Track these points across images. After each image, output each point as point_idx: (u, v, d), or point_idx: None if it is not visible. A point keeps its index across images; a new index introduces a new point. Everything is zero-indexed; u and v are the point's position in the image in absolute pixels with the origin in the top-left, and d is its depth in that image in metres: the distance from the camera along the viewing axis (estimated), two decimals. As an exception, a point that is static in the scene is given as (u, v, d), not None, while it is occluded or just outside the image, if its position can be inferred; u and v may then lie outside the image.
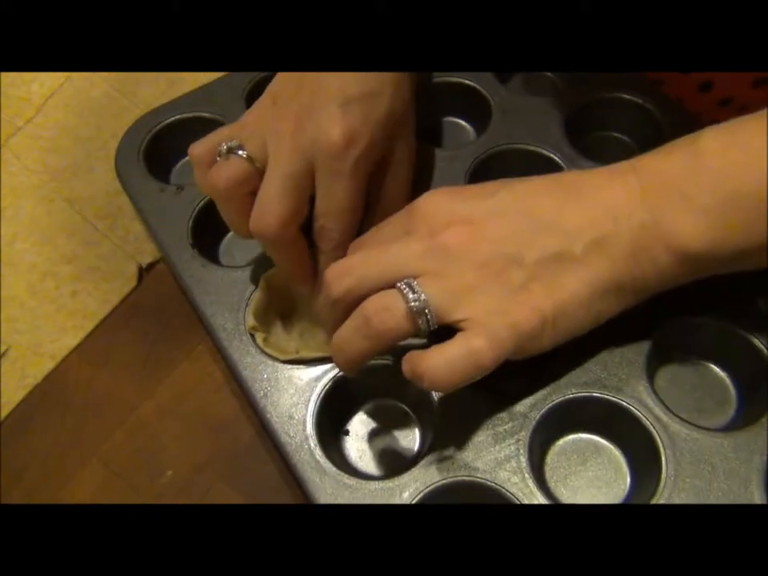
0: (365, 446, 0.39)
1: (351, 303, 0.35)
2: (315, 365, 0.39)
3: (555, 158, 0.45)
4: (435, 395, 0.38)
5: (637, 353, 0.38)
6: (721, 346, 0.39)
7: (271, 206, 0.37)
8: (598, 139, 0.48)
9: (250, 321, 0.40)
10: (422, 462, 0.36)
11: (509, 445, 0.36)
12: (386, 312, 0.34)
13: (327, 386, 0.38)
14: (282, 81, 0.40)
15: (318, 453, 0.37)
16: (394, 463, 0.39)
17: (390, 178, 0.41)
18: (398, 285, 0.34)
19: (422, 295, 0.33)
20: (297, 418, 0.38)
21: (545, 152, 0.45)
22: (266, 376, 0.39)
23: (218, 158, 0.39)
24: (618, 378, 0.37)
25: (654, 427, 0.36)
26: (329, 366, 0.39)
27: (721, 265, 0.34)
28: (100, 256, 0.49)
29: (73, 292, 0.47)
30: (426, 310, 0.33)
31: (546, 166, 0.45)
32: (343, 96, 0.38)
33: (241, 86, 0.50)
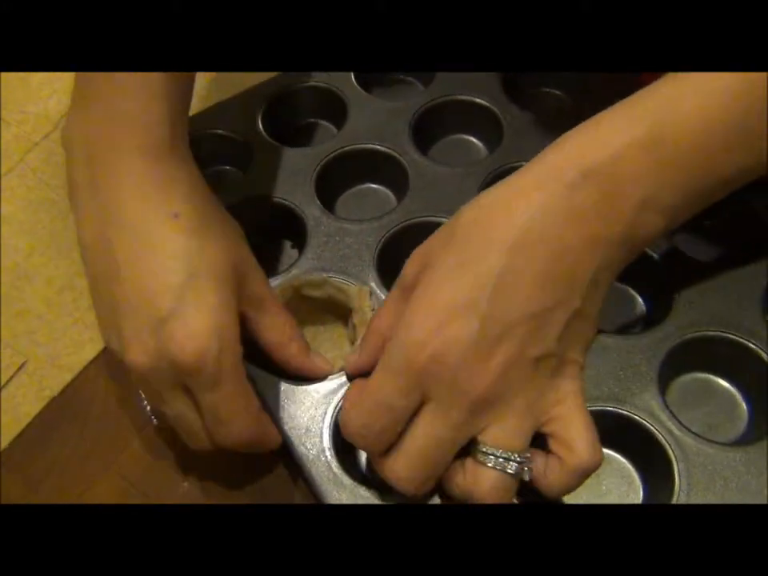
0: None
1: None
2: (330, 379, 0.40)
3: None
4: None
5: (649, 367, 0.39)
6: (731, 361, 0.40)
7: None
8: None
9: None
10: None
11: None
12: (503, 492, 0.34)
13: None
14: (91, 281, 0.39)
15: (335, 465, 0.37)
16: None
17: (261, 328, 0.39)
18: (480, 459, 0.33)
19: (512, 455, 0.33)
20: (314, 430, 0.38)
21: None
22: (282, 389, 0.40)
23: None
24: (631, 392, 0.38)
25: (666, 441, 0.37)
26: (344, 380, 0.40)
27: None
28: (116, 270, 0.49)
29: (90, 305, 0.47)
30: (523, 460, 0.33)
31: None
32: (165, 305, 0.35)
33: (257, 105, 0.51)
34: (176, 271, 0.35)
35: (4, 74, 0.57)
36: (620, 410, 0.38)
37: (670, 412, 0.37)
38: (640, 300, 0.44)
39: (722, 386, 0.41)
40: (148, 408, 0.43)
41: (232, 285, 0.37)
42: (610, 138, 0.33)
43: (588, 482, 0.38)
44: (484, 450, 0.33)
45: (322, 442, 0.38)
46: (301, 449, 0.38)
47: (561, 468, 0.34)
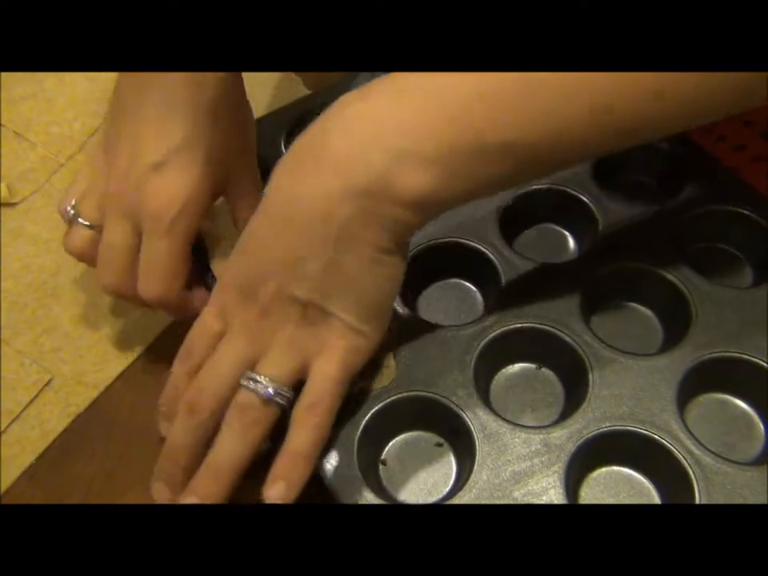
0: (401, 475, 0.40)
1: (217, 420, 0.38)
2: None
3: (583, 198, 0.47)
4: (472, 426, 0.39)
5: (667, 387, 0.39)
6: (748, 381, 0.40)
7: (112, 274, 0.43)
8: (622, 184, 0.49)
9: None
10: (460, 493, 0.37)
11: (545, 476, 0.37)
12: (250, 408, 0.37)
13: (368, 417, 0.40)
14: (110, 123, 0.44)
15: (360, 483, 0.38)
16: (429, 493, 0.40)
17: (237, 210, 0.45)
18: (242, 382, 0.37)
19: (261, 378, 0.37)
20: (339, 448, 0.39)
21: (571, 191, 0.47)
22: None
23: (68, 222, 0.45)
24: (650, 412, 0.39)
25: (686, 461, 0.37)
26: (370, 397, 0.40)
27: (455, 204, 0.37)
28: (140, 288, 0.50)
29: (115, 322, 0.49)
30: (271, 389, 0.37)
31: (573, 205, 0.47)
32: (156, 160, 0.41)
33: (283, 124, 0.52)
34: (175, 137, 0.41)
35: (30, 97, 0.59)
36: (639, 430, 0.38)
37: (689, 432, 0.38)
38: (657, 321, 0.45)
39: (739, 406, 0.41)
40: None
41: (216, 170, 0.43)
42: (371, 92, 0.36)
43: (608, 501, 0.39)
44: (246, 374, 0.37)
45: (347, 459, 0.38)
46: (327, 466, 0.38)
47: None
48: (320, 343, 0.37)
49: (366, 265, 0.36)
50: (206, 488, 0.37)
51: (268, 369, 0.37)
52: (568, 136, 0.35)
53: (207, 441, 0.38)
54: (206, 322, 0.39)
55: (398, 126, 0.34)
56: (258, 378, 0.37)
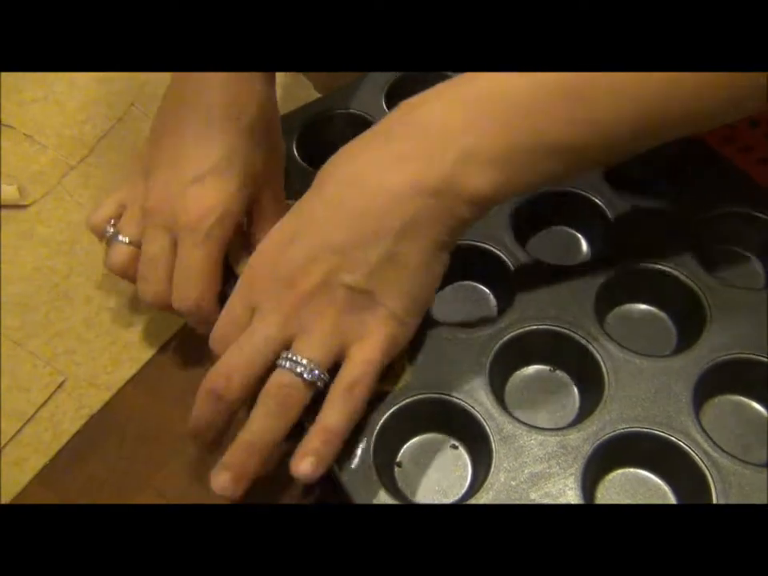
0: (416, 477, 0.40)
1: (244, 401, 0.38)
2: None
3: (596, 200, 0.47)
4: (488, 428, 0.39)
5: (683, 388, 0.39)
6: (764, 383, 0.40)
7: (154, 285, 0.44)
8: (635, 185, 0.49)
9: None
10: (477, 495, 0.37)
11: (562, 479, 0.37)
12: (291, 389, 0.37)
13: (383, 420, 0.39)
14: (150, 144, 0.46)
15: (376, 485, 0.38)
16: (445, 495, 0.39)
17: (257, 233, 0.46)
18: (281, 363, 0.37)
19: (304, 360, 0.37)
20: (355, 450, 0.39)
21: (584, 193, 0.47)
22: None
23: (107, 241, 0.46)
24: (666, 413, 0.39)
25: (703, 462, 0.37)
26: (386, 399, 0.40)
27: (513, 196, 0.39)
28: (152, 290, 0.50)
29: (128, 325, 0.49)
30: (316, 371, 0.37)
31: (585, 207, 0.47)
32: (197, 173, 0.43)
33: (294, 128, 0.52)
34: (213, 155, 0.43)
35: (41, 99, 0.59)
36: (656, 432, 0.38)
37: (706, 433, 0.38)
38: (670, 322, 0.45)
39: (754, 407, 0.41)
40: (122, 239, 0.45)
41: (250, 188, 0.44)
42: (433, 96, 0.37)
43: (625, 502, 0.38)
44: (284, 355, 0.37)
45: (364, 462, 0.38)
46: (345, 470, 0.38)
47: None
48: (362, 329, 0.38)
49: (422, 258, 0.37)
50: (240, 465, 0.37)
51: (309, 351, 0.37)
52: (618, 138, 0.37)
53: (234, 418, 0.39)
54: (235, 310, 0.39)
55: (462, 127, 0.36)
56: (299, 359, 0.37)
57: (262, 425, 0.37)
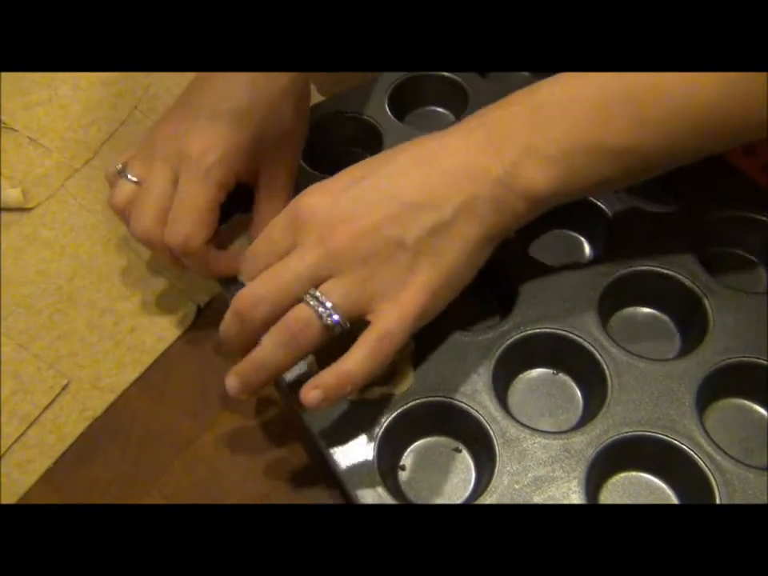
0: (420, 480, 0.40)
1: (268, 326, 0.38)
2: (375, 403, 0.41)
3: (599, 203, 0.47)
4: (491, 431, 0.39)
5: (686, 392, 0.39)
6: (765, 387, 0.40)
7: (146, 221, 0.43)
8: (637, 188, 0.49)
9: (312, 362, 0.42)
10: (480, 498, 0.37)
11: (566, 482, 0.37)
12: (306, 326, 0.37)
13: (387, 423, 0.40)
14: (186, 90, 0.46)
15: (380, 488, 0.38)
16: (448, 498, 0.40)
17: (264, 194, 0.46)
18: (306, 299, 0.37)
19: (329, 303, 0.37)
20: (359, 453, 0.39)
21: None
22: (329, 414, 0.40)
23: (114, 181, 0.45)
24: (670, 417, 0.39)
25: (707, 466, 0.37)
26: (390, 402, 0.40)
27: (565, 200, 0.40)
28: (155, 293, 0.50)
29: (131, 328, 0.49)
30: (336, 317, 0.37)
31: (588, 210, 0.47)
32: (212, 111, 0.43)
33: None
34: (233, 99, 0.44)
35: (46, 102, 0.59)
36: (659, 435, 0.38)
37: (709, 437, 0.38)
38: (673, 326, 0.45)
39: (757, 411, 0.41)
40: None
41: (260, 149, 0.44)
42: (509, 101, 0.39)
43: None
44: (312, 292, 0.37)
45: (367, 465, 0.38)
46: (348, 472, 0.38)
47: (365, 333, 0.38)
48: (397, 289, 0.38)
49: (470, 241, 0.38)
50: (246, 376, 0.38)
51: (336, 296, 0.37)
52: (681, 145, 0.38)
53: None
54: (274, 234, 0.40)
55: (531, 127, 0.38)
56: (324, 301, 0.37)
57: (270, 351, 0.38)
